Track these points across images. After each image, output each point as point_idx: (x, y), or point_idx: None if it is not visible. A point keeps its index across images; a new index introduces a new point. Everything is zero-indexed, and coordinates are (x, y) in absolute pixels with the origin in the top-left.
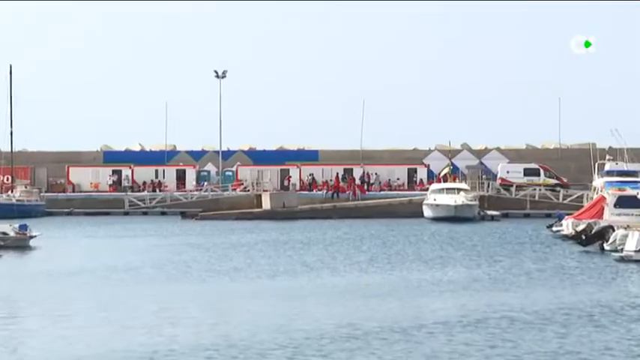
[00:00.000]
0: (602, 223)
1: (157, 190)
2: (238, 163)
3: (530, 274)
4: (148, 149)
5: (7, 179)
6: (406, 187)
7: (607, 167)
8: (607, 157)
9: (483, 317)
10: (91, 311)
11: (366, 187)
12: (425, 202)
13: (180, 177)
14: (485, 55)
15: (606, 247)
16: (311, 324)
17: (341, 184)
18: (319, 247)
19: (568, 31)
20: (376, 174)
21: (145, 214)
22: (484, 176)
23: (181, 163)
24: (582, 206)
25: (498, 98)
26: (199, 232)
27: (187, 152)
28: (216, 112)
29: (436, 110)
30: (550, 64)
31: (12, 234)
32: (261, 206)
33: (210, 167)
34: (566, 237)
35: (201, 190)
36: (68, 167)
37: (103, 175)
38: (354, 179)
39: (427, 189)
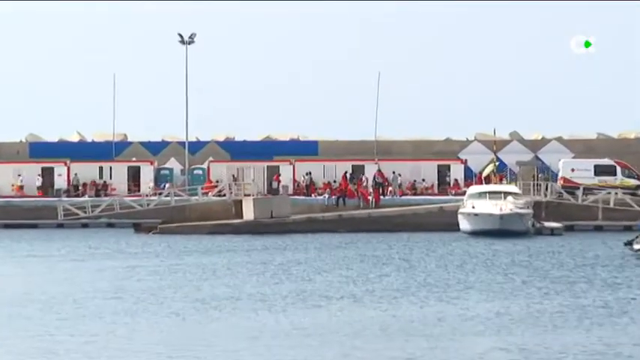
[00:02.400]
0: None
1: (102, 195)
2: (211, 158)
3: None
4: (89, 140)
5: None
6: (436, 191)
7: None
8: None
9: None
10: None
11: (382, 190)
12: (461, 210)
13: (133, 176)
14: None
15: None
16: None
17: (349, 186)
18: (319, 273)
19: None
20: (395, 173)
21: (85, 226)
22: (541, 175)
23: (134, 159)
24: None
25: (559, 73)
26: (156, 252)
27: (142, 144)
28: (181, 90)
29: (475, 88)
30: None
31: None
32: (241, 216)
33: (173, 164)
34: None
35: (161, 194)
36: None
37: (29, 175)
38: (366, 180)
39: (464, 193)
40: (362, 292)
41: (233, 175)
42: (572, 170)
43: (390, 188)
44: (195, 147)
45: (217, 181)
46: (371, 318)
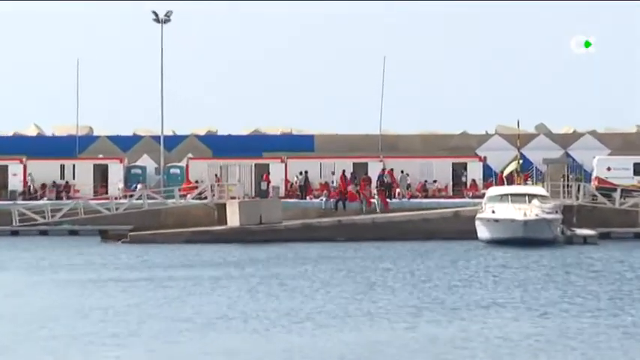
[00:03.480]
0: None
1: (64, 197)
2: (190, 154)
3: None
4: (48, 134)
5: None
6: (450, 193)
7: None
8: None
9: None
10: None
11: (387, 192)
12: (479, 215)
13: (100, 176)
14: None
15: None
16: None
17: (349, 187)
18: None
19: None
20: (403, 172)
21: (44, 233)
22: (571, 175)
23: (101, 155)
24: None
25: (591, 56)
26: (126, 264)
27: (110, 138)
28: (156, 76)
29: (496, 74)
30: None
31: None
32: (225, 222)
33: (145, 161)
34: None
35: (132, 196)
36: None
37: None
38: (369, 180)
39: (483, 195)
40: (373, 311)
41: (216, 175)
42: (609, 169)
43: (397, 190)
44: (172, 142)
45: (197, 182)
46: (386, 339)
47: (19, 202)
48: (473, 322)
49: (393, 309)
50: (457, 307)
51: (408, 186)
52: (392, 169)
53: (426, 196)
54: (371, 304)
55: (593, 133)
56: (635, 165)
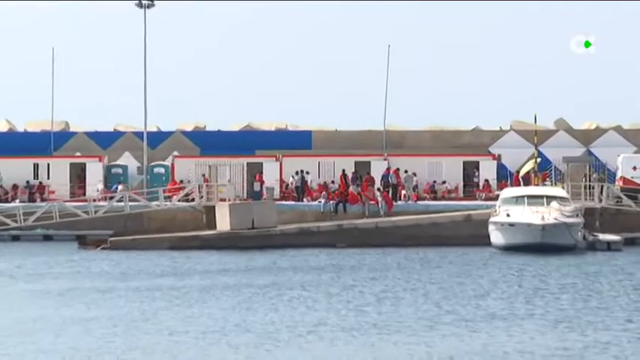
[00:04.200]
0: None
1: (38, 199)
2: (175, 152)
3: None
4: (20, 129)
5: None
6: (461, 194)
7: None
8: None
9: None
10: None
11: (392, 193)
12: (492, 219)
13: (78, 176)
14: None
15: None
16: None
17: (350, 188)
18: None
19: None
20: (408, 172)
21: (16, 238)
22: (594, 175)
23: (78, 153)
24: None
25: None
26: (105, 273)
27: (89, 134)
28: (138, 66)
29: (510, 64)
30: None
31: None
32: (214, 226)
33: (127, 160)
34: None
35: (112, 198)
36: None
37: None
38: (372, 180)
39: (497, 197)
40: (381, 324)
41: (203, 175)
42: (635, 168)
43: (403, 192)
44: (156, 139)
45: (183, 182)
46: (397, 356)
47: None
48: (492, 335)
49: (405, 322)
50: (474, 320)
51: (415, 187)
52: (397, 169)
53: (434, 198)
54: (379, 316)
55: (617, 128)
56: None
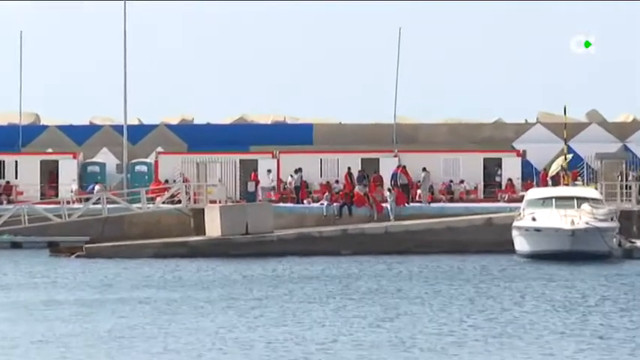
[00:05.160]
0: None
1: (4, 201)
2: (159, 148)
3: None
4: None
5: None
6: (481, 195)
7: None
8: None
9: None
10: None
11: (406, 195)
12: (516, 223)
13: (49, 175)
14: None
15: None
16: None
17: (356, 188)
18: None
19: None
20: (426, 170)
21: None
22: (632, 174)
23: (50, 150)
24: None
25: None
26: (80, 283)
27: (61, 128)
28: (118, 51)
29: (537, 48)
30: None
31: None
32: (203, 231)
33: (105, 157)
34: None
35: (88, 199)
36: None
37: None
38: (380, 180)
39: (521, 198)
40: (400, 341)
41: (182, 174)
42: None
43: (418, 191)
44: (138, 133)
45: (170, 183)
46: None
47: None
48: (527, 355)
49: (425, 339)
50: (504, 336)
51: (430, 188)
52: (404, 166)
53: (451, 200)
54: (396, 332)
55: None
56: None
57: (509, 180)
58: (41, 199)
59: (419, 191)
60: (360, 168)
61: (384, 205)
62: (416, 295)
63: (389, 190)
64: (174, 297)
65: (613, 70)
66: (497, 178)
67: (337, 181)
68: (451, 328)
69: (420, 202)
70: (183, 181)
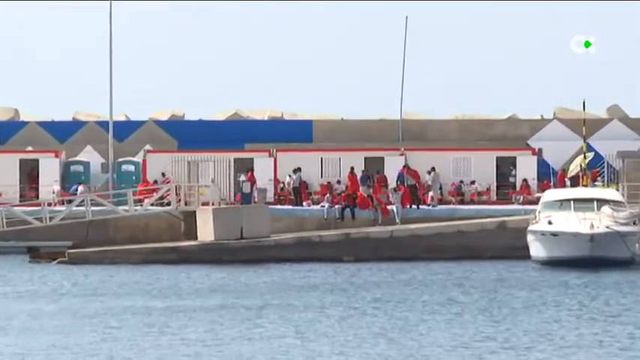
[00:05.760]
0: None
1: None
2: (148, 146)
3: None
4: None
5: None
6: (494, 197)
7: None
8: None
9: None
10: None
11: (415, 197)
12: (532, 227)
13: (29, 175)
14: None
15: None
16: None
17: (360, 189)
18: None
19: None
20: (435, 170)
21: None
22: None
23: (30, 147)
24: None
25: None
26: (62, 292)
27: (42, 124)
28: (103, 41)
29: (553, 38)
30: None
31: None
32: (194, 236)
33: (89, 155)
34: None
35: (71, 201)
36: None
37: None
38: (385, 180)
39: (537, 200)
40: (418, 354)
41: (164, 174)
42: None
43: (430, 193)
44: (125, 130)
45: (160, 183)
46: None
47: None
48: None
49: (438, 352)
50: (521, 348)
51: (440, 189)
52: (406, 166)
53: (461, 202)
54: (411, 344)
55: None
56: None
57: (524, 180)
58: (20, 200)
59: (430, 193)
60: (363, 167)
61: (389, 207)
62: (425, 305)
63: (394, 190)
64: (162, 306)
65: (636, 64)
66: (512, 179)
67: (339, 182)
68: (464, 340)
69: (431, 204)
70: (163, 182)
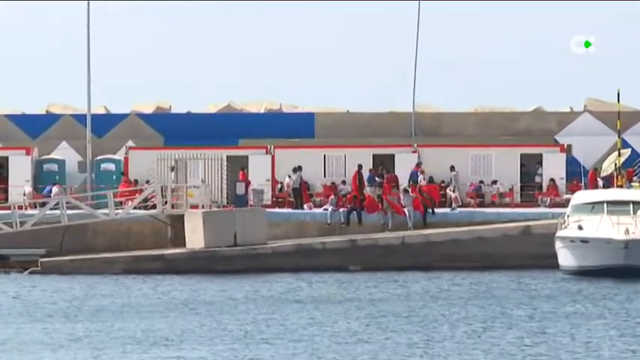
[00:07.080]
0: None
1: None
2: (130, 142)
3: None
4: None
5: None
6: (518, 199)
7: None
8: None
9: None
10: None
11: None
12: (560, 232)
13: None
14: None
15: None
16: None
17: (366, 190)
18: None
19: None
20: (455, 169)
21: None
22: None
23: (0, 144)
24: None
25: None
26: (34, 305)
27: (12, 118)
28: (80, 26)
29: (583, 25)
30: None
31: None
32: (182, 243)
33: (65, 152)
34: None
35: (44, 204)
36: None
37: None
38: (396, 180)
39: (566, 202)
40: None
41: (174, 174)
42: None
43: (453, 195)
44: (105, 123)
45: (143, 184)
46: None
47: None
48: None
49: None
50: None
51: (457, 189)
52: (420, 163)
53: (481, 204)
54: None
55: None
56: None
57: (552, 180)
58: None
59: (451, 193)
60: (371, 166)
61: (403, 210)
62: (440, 318)
63: (405, 190)
64: (147, 323)
65: None
66: (537, 179)
67: (344, 182)
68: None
69: (453, 208)
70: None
